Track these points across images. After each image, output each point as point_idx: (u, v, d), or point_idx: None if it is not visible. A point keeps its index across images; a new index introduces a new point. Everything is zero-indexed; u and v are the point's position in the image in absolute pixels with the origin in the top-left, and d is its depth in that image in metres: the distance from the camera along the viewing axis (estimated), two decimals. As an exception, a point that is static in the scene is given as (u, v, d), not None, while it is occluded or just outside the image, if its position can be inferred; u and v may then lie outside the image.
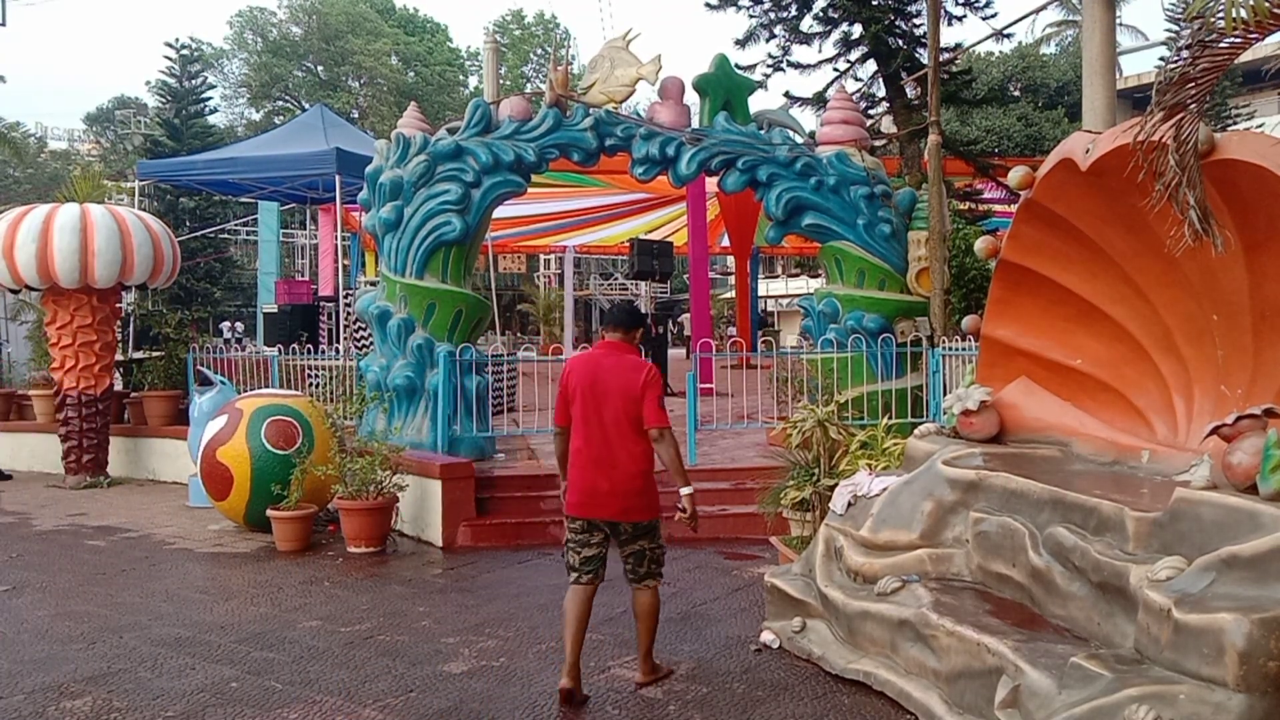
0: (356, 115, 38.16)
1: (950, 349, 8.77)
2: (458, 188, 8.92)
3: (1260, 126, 15.70)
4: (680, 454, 4.76)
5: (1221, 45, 3.83)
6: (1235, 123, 21.21)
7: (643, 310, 27.61)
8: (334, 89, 39.27)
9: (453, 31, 63.64)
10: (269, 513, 7.77)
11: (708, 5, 14.00)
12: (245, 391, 9.41)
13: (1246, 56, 5.11)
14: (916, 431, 5.86)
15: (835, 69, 14.11)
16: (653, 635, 4.78)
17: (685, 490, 4.64)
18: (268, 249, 19.15)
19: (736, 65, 10.73)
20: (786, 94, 14.93)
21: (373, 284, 12.00)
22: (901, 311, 9.64)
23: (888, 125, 14.63)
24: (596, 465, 4.58)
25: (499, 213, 10.56)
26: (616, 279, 34.53)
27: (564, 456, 4.76)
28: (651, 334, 15.38)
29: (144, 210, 12.99)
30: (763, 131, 9.73)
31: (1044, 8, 29.86)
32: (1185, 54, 3.90)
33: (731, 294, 27.91)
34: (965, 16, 13.73)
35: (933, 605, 4.35)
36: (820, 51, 14.22)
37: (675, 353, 20.96)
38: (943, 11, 11.67)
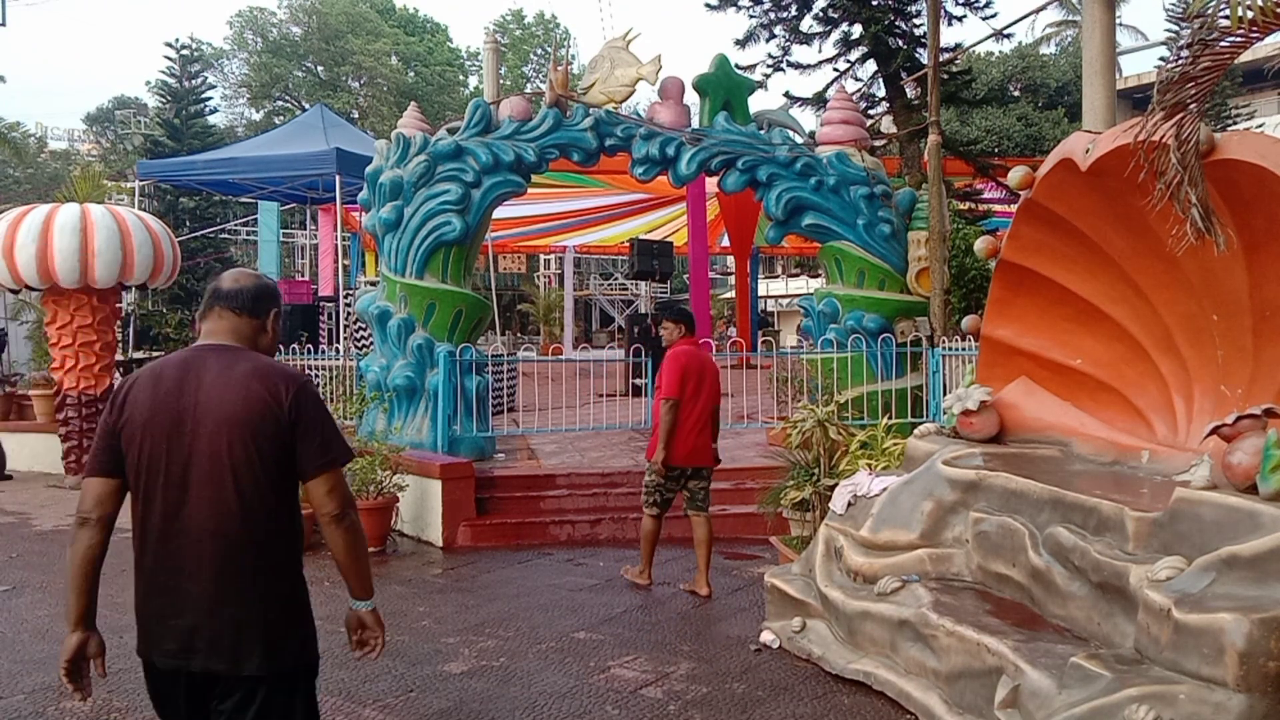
0: (356, 115, 38.14)
1: (950, 349, 8.77)
2: (458, 188, 8.92)
3: (1260, 126, 15.70)
4: None
5: (1223, 44, 3.82)
6: (1235, 123, 21.20)
7: (643, 310, 27.57)
8: (334, 89, 39.25)
9: (453, 31, 63.70)
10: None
11: (708, 5, 13.99)
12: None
13: (1247, 56, 5.11)
14: (916, 431, 5.85)
15: (835, 69, 14.12)
16: (710, 556, 6.37)
17: (716, 444, 6.53)
18: (268, 249, 19.14)
19: (736, 65, 10.74)
20: (786, 94, 14.94)
21: (373, 284, 12.00)
22: (901, 311, 9.64)
23: (888, 125, 14.62)
24: (702, 430, 6.29)
25: (499, 213, 10.56)
26: (616, 279, 34.49)
27: (675, 426, 6.20)
28: (651, 334, 15.39)
29: (144, 210, 12.99)
30: (763, 131, 9.74)
31: (1044, 8, 29.85)
32: (1186, 53, 3.90)
33: (731, 294, 27.90)
34: (965, 16, 13.72)
35: (933, 605, 4.35)
36: (820, 51, 14.23)
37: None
38: (943, 11, 11.67)
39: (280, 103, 40.07)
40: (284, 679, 2.50)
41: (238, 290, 2.60)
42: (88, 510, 2.47)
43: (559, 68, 9.38)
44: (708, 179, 10.76)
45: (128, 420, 2.49)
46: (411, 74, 40.98)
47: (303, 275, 24.53)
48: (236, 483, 2.44)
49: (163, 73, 23.80)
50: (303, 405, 2.49)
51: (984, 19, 13.74)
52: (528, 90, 31.38)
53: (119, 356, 11.71)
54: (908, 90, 13.65)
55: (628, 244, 18.42)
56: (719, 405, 6.52)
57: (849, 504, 5.37)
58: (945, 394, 7.18)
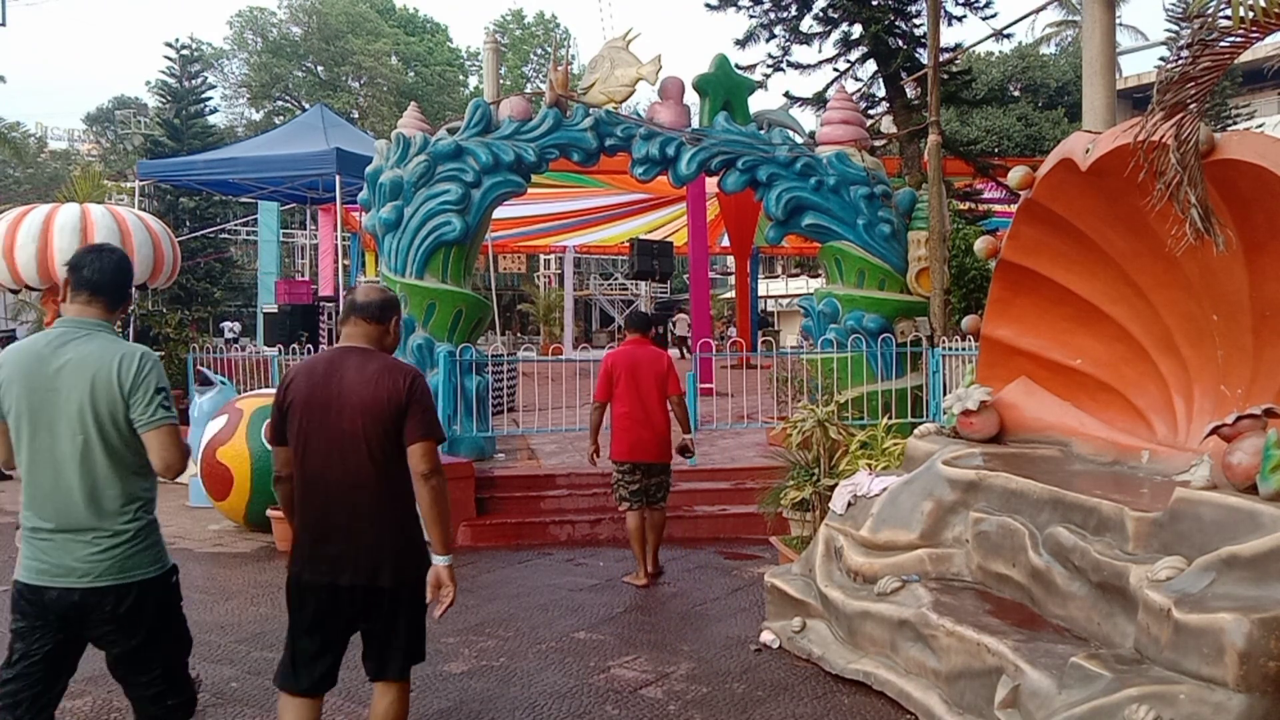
0: (356, 115, 38.14)
1: (950, 349, 8.77)
2: (458, 188, 8.91)
3: (1260, 126, 15.70)
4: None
5: (1223, 44, 3.82)
6: (1235, 123, 21.20)
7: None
8: (334, 89, 39.27)
9: (453, 31, 63.72)
10: (269, 513, 7.75)
11: (708, 5, 13.98)
12: (245, 391, 9.41)
13: (1246, 56, 5.12)
14: (916, 431, 5.86)
15: (835, 69, 14.10)
16: (658, 543, 6.66)
17: (690, 435, 6.75)
18: (268, 249, 19.14)
19: (736, 65, 10.72)
20: (786, 94, 14.92)
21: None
22: (901, 311, 9.63)
23: (888, 125, 14.61)
24: (641, 424, 6.48)
25: (499, 213, 10.55)
26: (616, 279, 34.49)
27: (598, 425, 6.61)
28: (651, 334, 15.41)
29: (144, 210, 13.00)
30: (763, 131, 9.72)
31: (1044, 8, 29.87)
32: (1186, 53, 3.90)
33: (731, 294, 27.90)
34: (965, 16, 13.71)
35: (933, 605, 4.35)
36: (820, 51, 14.21)
37: (670, 353, 21.02)
38: (943, 11, 11.66)
39: (280, 103, 40.09)
40: (405, 587, 3.34)
41: (368, 303, 3.41)
42: (279, 470, 3.44)
43: (559, 68, 9.37)
44: (708, 179, 10.74)
45: (291, 401, 3.34)
46: (411, 74, 41.00)
47: (303, 275, 24.52)
48: (369, 450, 3.25)
49: (163, 73, 23.82)
50: (414, 392, 3.28)
51: (984, 19, 13.74)
52: (528, 90, 31.37)
53: (119, 356, 11.69)
54: (908, 90, 13.64)
55: (628, 244, 18.42)
56: (679, 395, 6.65)
57: (849, 504, 5.37)
58: (945, 394, 7.18)
